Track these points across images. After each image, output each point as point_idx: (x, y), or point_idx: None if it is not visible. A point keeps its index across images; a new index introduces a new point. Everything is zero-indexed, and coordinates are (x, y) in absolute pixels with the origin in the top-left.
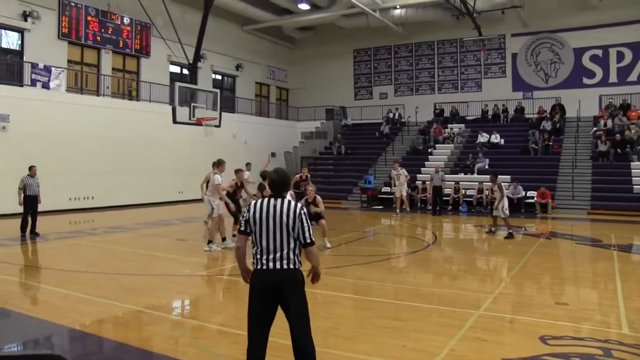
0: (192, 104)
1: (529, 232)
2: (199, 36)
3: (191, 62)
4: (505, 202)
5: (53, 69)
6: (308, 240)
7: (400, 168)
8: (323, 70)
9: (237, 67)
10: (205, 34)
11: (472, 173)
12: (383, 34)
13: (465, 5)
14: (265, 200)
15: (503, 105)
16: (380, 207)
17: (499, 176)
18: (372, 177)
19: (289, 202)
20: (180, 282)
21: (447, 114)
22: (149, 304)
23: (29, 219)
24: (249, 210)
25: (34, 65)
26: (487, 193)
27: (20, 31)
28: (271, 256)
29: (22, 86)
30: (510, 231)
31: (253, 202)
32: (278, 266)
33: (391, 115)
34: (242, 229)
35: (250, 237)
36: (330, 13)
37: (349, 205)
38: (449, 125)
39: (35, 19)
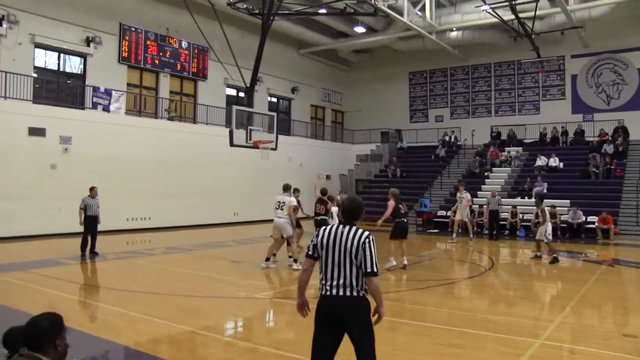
0: (249, 127)
1: (590, 259)
2: (256, 60)
3: (248, 85)
4: (549, 226)
5: (113, 92)
6: (369, 270)
7: (464, 191)
8: (378, 92)
9: (293, 90)
10: (262, 57)
11: (530, 197)
12: (439, 56)
13: (523, 27)
14: (334, 226)
15: (562, 127)
16: (436, 230)
17: (544, 200)
18: (427, 200)
19: (356, 229)
20: (235, 304)
21: (504, 136)
22: (204, 325)
23: (89, 239)
24: (317, 235)
25: (95, 89)
26: (532, 218)
27: (83, 56)
28: (335, 282)
29: (84, 109)
30: (555, 255)
31: (323, 227)
32: (341, 293)
33: (447, 138)
34: (310, 253)
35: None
36: (386, 36)
37: None
38: (506, 148)
39: (98, 44)
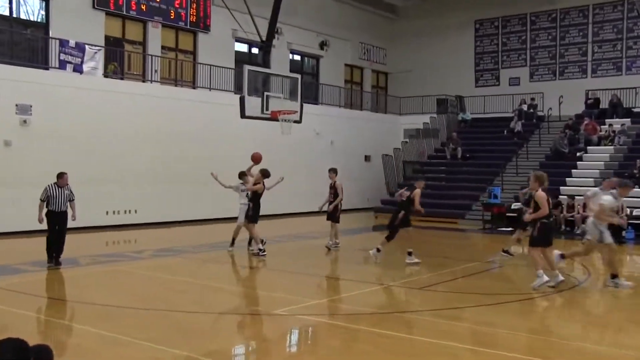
0: (265, 93)
1: None
2: (274, 6)
3: (264, 39)
4: None
5: (87, 47)
6: None
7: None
8: (434, 48)
9: (322, 45)
10: (281, 1)
11: None
12: None
13: None
14: None
15: None
16: (510, 229)
17: None
18: (498, 189)
19: None
20: (247, 323)
21: (604, 104)
22: (207, 350)
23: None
24: None
25: (62, 43)
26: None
27: None
28: None
29: (47, 69)
30: None
31: None
32: None
33: (525, 107)
34: None
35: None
36: None
37: (467, 226)
38: (607, 120)
39: None
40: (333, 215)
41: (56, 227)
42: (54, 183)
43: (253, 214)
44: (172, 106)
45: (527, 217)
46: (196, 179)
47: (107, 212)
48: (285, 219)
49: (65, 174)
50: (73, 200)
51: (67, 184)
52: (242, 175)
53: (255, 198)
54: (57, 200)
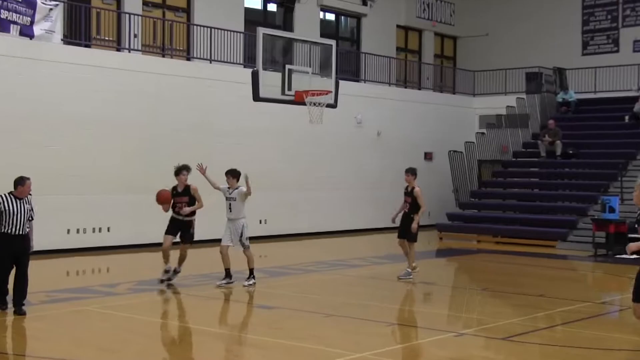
0: (288, 67)
1: None
2: None
3: None
4: None
5: (40, 2)
6: None
7: None
8: (520, 2)
9: None
10: None
11: None
12: None
13: None
14: None
15: None
16: (634, 256)
17: None
18: (616, 199)
19: None
20: None
21: None
22: None
23: (13, 277)
24: None
25: None
26: None
27: None
28: None
29: None
30: None
31: None
32: None
33: None
34: None
35: None
36: None
37: (570, 252)
38: None
39: None
40: (409, 232)
41: (14, 260)
42: (10, 193)
43: None
44: (157, 84)
45: (632, 246)
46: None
47: (67, 231)
48: (318, 239)
49: (28, 179)
50: (32, 219)
51: (30, 194)
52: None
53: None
54: (15, 219)
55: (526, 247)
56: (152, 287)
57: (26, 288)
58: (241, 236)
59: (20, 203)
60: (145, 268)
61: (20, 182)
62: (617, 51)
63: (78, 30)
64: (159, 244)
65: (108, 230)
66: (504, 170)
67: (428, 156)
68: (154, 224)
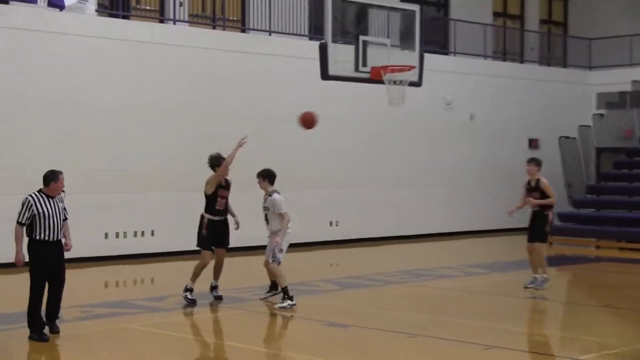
0: (362, 38)
1: None
2: None
3: None
4: None
5: None
6: None
7: None
8: None
9: None
10: None
11: None
12: None
13: None
14: None
15: None
16: None
17: None
18: None
19: None
20: None
21: None
22: None
23: (47, 293)
24: None
25: None
26: None
27: None
28: None
29: (6, 2)
30: None
31: None
32: None
33: None
34: None
35: None
36: None
37: None
38: None
39: None
40: (538, 231)
41: (50, 273)
42: (40, 191)
43: None
44: (207, 62)
45: None
46: (247, 180)
47: (105, 235)
48: (400, 244)
49: (61, 173)
50: (67, 219)
51: (63, 192)
52: None
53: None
54: (51, 222)
55: None
56: (205, 302)
57: (60, 303)
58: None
59: (53, 202)
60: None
61: (53, 177)
62: None
63: (114, 2)
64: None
65: (152, 235)
66: (628, 160)
67: (533, 144)
68: None
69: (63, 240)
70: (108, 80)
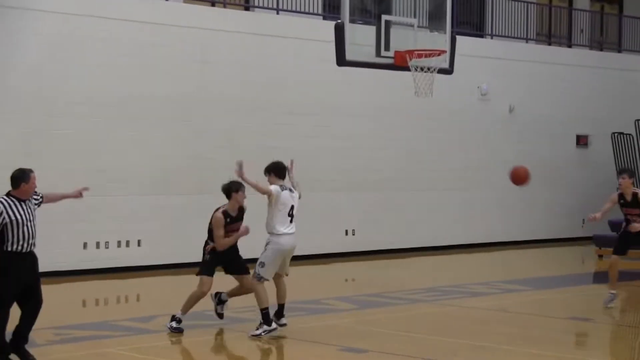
0: (384, 18)
1: None
2: None
3: None
4: None
5: None
6: None
7: None
8: None
9: None
10: None
11: None
12: None
13: None
14: None
15: None
16: None
17: None
18: None
19: None
20: None
21: None
22: None
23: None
24: None
25: None
26: None
27: None
28: None
29: None
30: None
31: None
32: None
33: None
34: None
35: None
36: None
37: None
38: None
39: None
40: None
41: (24, 290)
42: (9, 194)
43: None
44: (203, 44)
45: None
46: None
47: (84, 245)
48: (427, 256)
49: (31, 172)
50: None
51: (36, 194)
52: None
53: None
54: (24, 230)
55: None
56: (197, 323)
57: (31, 325)
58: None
59: (25, 206)
60: (187, 295)
61: (22, 177)
62: None
63: None
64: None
65: (138, 245)
66: None
67: (582, 141)
68: (200, 235)
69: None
70: (81, 66)
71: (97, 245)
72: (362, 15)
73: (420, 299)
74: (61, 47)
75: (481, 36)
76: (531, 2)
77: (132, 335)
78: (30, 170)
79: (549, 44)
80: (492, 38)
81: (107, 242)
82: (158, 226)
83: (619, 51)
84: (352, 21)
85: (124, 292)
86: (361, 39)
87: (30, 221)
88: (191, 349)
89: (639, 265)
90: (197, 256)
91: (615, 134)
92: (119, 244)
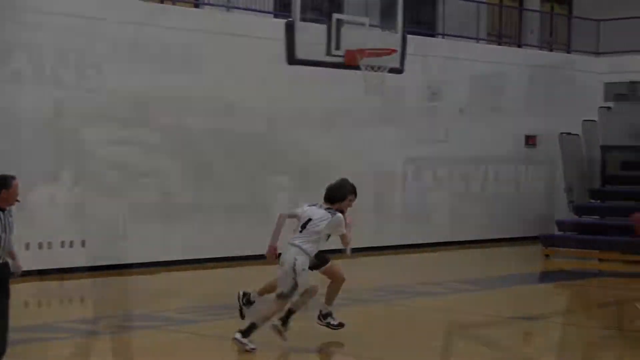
0: (336, 16)
1: None
2: None
3: None
4: None
5: None
6: None
7: None
8: None
9: None
10: None
11: None
12: None
13: None
14: None
15: None
16: None
17: None
18: None
19: None
20: None
21: None
22: None
23: None
24: None
25: None
26: None
27: None
28: None
29: None
30: None
31: None
32: None
33: None
34: None
35: None
36: None
37: None
38: None
39: None
40: None
41: None
42: None
43: None
44: (149, 41)
45: None
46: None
47: (27, 246)
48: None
49: (14, 179)
50: (13, 232)
51: (17, 201)
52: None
53: None
54: (3, 241)
55: None
56: (147, 324)
57: (7, 339)
58: None
59: (4, 217)
60: (134, 295)
61: (5, 183)
62: None
63: None
64: (156, 264)
65: (82, 245)
66: (638, 160)
67: (530, 141)
68: (155, 237)
69: (10, 262)
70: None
71: (40, 245)
72: (313, 13)
73: (367, 299)
74: None
75: (432, 35)
76: (482, 2)
77: (74, 337)
78: (13, 177)
79: (499, 44)
80: (443, 37)
81: (50, 242)
82: (104, 225)
83: (568, 52)
84: (303, 19)
85: (68, 294)
86: (312, 37)
87: (6, 233)
88: (145, 348)
89: (584, 264)
90: (145, 257)
91: (563, 134)
92: (62, 244)
